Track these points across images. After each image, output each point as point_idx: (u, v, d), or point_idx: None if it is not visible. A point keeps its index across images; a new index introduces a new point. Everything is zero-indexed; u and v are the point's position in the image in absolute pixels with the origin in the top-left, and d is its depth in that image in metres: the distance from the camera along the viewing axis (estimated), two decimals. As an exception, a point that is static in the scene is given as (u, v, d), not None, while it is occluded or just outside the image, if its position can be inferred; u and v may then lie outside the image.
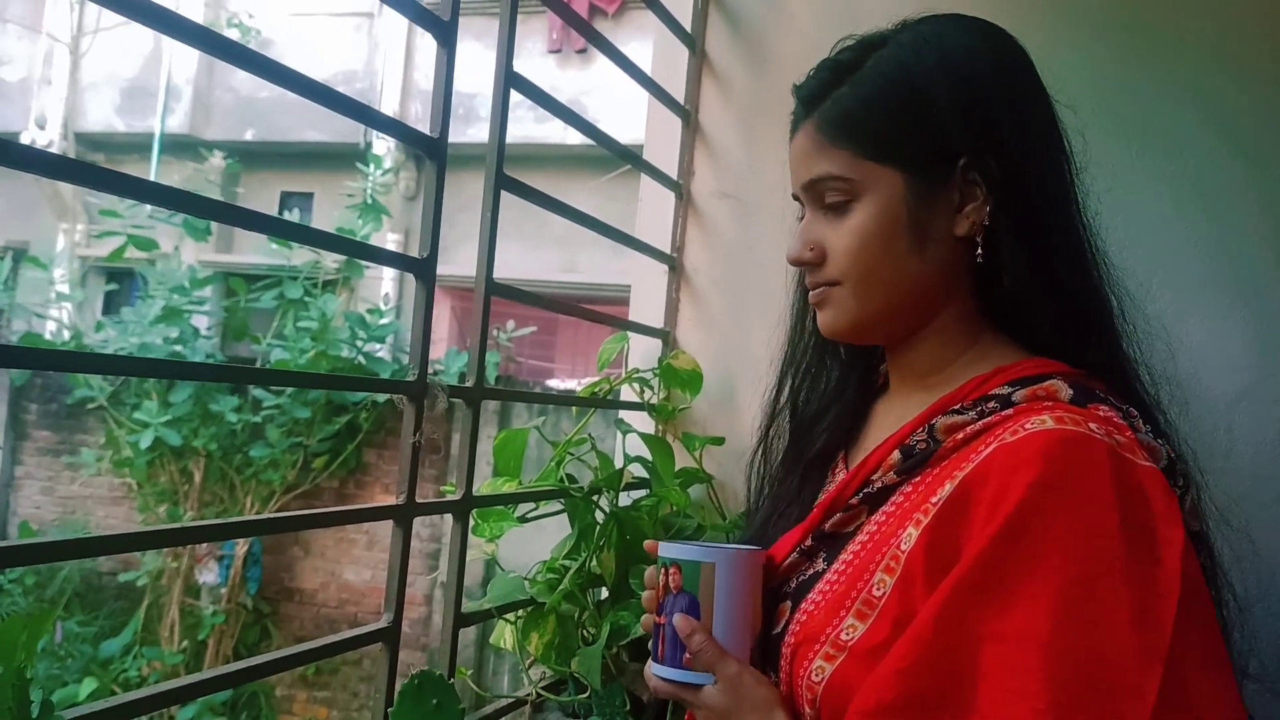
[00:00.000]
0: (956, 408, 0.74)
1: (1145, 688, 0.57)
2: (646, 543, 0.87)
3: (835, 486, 0.81)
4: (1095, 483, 0.62)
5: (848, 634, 0.69)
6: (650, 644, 0.80)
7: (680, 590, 0.77)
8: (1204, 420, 1.16)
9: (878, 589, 0.70)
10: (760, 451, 0.96)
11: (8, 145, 0.60)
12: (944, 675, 0.61)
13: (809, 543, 0.79)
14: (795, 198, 0.84)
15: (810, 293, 0.82)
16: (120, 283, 7.53)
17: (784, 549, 0.82)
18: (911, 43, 0.77)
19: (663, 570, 0.79)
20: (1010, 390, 0.73)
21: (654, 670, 0.78)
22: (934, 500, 0.68)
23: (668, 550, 0.79)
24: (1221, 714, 0.60)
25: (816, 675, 0.69)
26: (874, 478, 0.77)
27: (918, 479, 0.74)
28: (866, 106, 0.76)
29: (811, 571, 0.78)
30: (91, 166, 0.68)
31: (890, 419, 0.84)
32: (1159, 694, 0.57)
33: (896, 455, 0.75)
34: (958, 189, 0.76)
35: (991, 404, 0.72)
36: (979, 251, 0.76)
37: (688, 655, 0.76)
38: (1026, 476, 0.63)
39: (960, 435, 0.72)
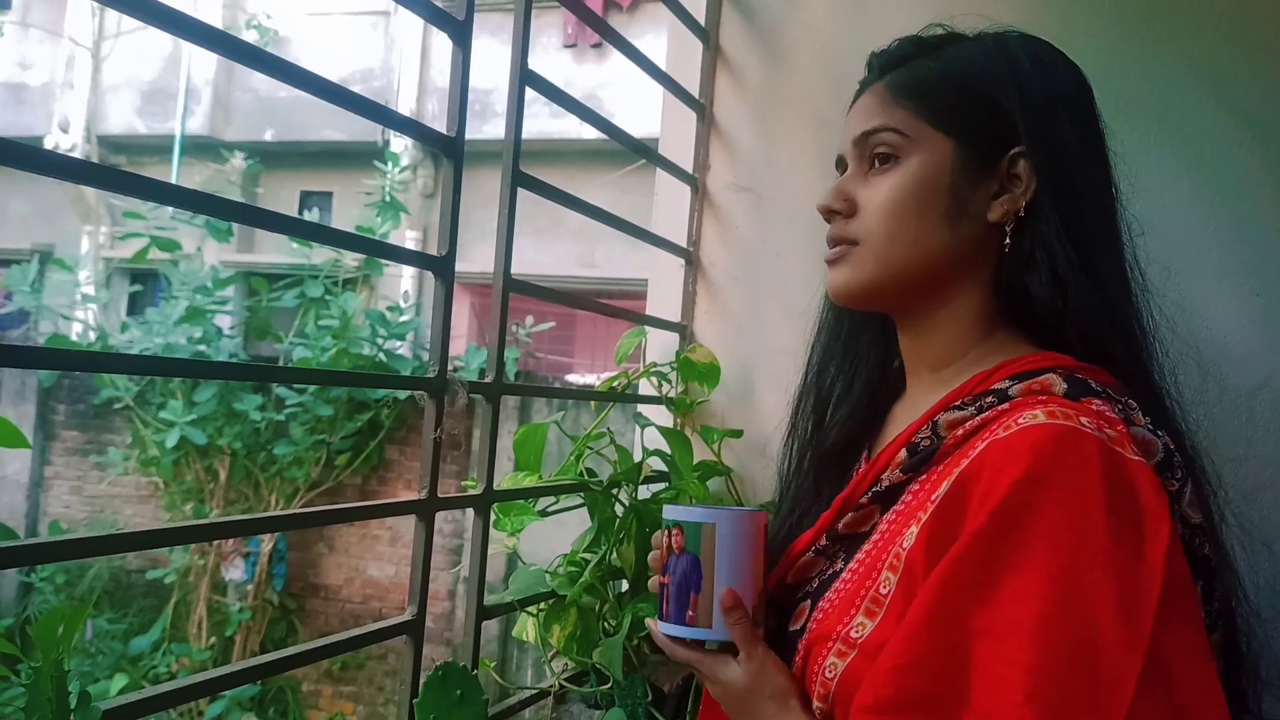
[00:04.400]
0: (958, 404, 0.75)
1: (1125, 679, 0.58)
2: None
3: (849, 486, 0.81)
4: (1083, 477, 0.63)
5: (857, 631, 0.70)
6: (657, 603, 0.82)
7: (683, 551, 0.79)
8: (1224, 408, 1.16)
9: (884, 587, 0.71)
10: (786, 442, 0.96)
11: (32, 151, 0.61)
12: (939, 670, 0.62)
13: (824, 542, 0.80)
14: (838, 162, 0.85)
15: (828, 250, 0.83)
16: (144, 284, 7.61)
17: (800, 548, 0.82)
18: (996, 42, 0.81)
19: (666, 532, 0.81)
20: (1009, 385, 0.73)
21: (660, 628, 0.80)
22: (934, 498, 0.69)
23: (670, 512, 0.81)
24: (1201, 707, 0.60)
25: (830, 672, 0.71)
26: (883, 476, 0.77)
27: (924, 477, 0.75)
28: (938, 77, 0.79)
29: (831, 571, 0.79)
30: (114, 170, 0.69)
31: (904, 417, 0.84)
32: (1138, 686, 0.58)
33: (903, 453, 0.76)
34: (1000, 177, 0.78)
35: (990, 399, 0.73)
36: (1007, 242, 0.77)
37: (690, 613, 0.77)
38: (1015, 471, 0.63)
39: (960, 431, 0.73)
